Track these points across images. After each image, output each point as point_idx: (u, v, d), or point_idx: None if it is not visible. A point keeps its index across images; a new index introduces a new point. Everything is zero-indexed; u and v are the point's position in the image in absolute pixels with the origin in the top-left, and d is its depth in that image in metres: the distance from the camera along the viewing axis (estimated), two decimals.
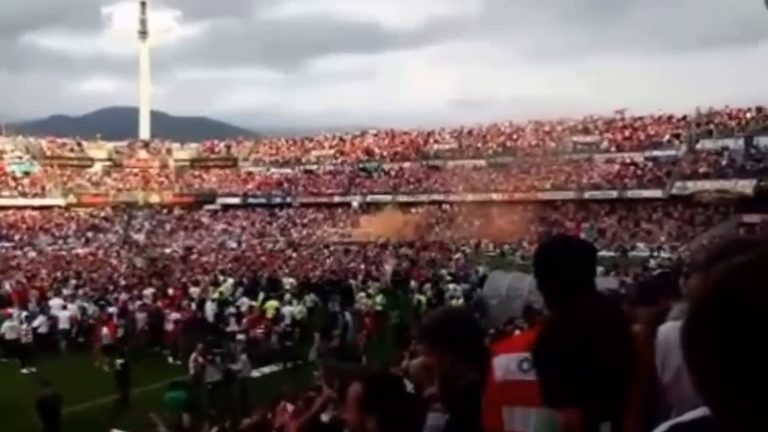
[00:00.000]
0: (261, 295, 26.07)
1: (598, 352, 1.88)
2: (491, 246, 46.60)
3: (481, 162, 63.22)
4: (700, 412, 0.88)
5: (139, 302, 24.47)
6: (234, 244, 55.61)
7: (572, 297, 2.19)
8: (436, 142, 68.78)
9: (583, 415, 1.94)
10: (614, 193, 53.86)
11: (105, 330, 20.53)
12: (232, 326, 21.78)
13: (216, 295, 25.92)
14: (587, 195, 54.84)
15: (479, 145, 65.83)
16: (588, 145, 60.10)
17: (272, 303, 24.47)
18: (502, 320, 18.05)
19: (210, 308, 23.85)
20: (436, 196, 60.42)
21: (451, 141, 68.03)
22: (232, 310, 23.66)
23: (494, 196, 56.00)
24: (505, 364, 2.31)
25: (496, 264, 35.33)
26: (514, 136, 65.15)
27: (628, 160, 57.23)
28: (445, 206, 59.35)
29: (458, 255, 41.56)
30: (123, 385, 16.24)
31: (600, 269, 20.71)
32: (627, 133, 60.06)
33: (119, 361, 16.89)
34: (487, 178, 59.93)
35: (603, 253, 38.93)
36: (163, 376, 17.23)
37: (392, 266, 35.61)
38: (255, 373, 18.18)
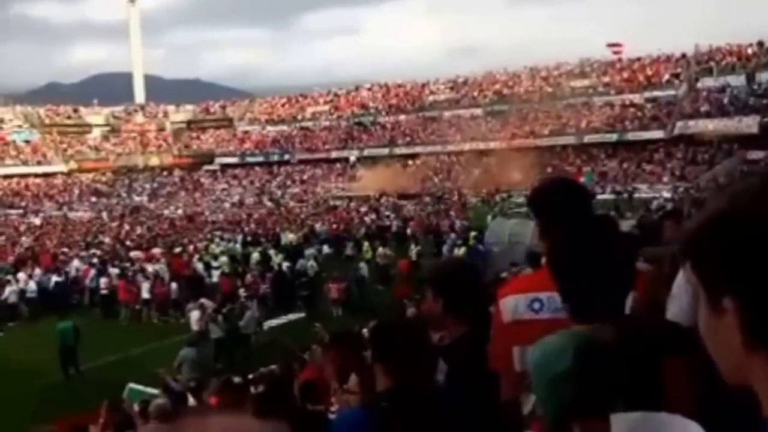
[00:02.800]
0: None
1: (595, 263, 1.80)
2: (491, 194, 46.59)
3: (478, 111, 62.64)
4: None
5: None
6: (230, 203, 55.67)
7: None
8: (431, 93, 68.09)
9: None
10: (614, 136, 53.42)
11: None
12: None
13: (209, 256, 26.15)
14: (587, 139, 54.40)
15: (475, 94, 65.20)
16: (586, 89, 59.39)
17: (255, 255, 25.20)
18: (505, 266, 18.03)
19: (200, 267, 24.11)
20: (433, 148, 60.00)
21: (447, 91, 67.36)
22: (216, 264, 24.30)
23: (492, 145, 55.56)
24: (514, 304, 2.32)
25: (497, 211, 35.35)
26: (510, 83, 64.45)
27: (627, 102, 56.62)
28: (443, 157, 59.04)
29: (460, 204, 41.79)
30: None
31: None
32: (625, 74, 59.32)
33: None
34: (485, 126, 59.49)
35: (605, 196, 38.96)
36: (167, 334, 17.49)
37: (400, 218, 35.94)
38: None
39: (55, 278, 23.34)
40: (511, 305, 2.32)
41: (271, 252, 26.66)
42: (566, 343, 1.67)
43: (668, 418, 1.51)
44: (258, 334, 17.44)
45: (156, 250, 28.29)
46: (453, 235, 27.30)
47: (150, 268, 23.88)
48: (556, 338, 1.71)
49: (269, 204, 52.19)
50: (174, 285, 21.23)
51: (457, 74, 70.16)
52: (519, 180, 45.95)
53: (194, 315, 16.82)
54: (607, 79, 59.74)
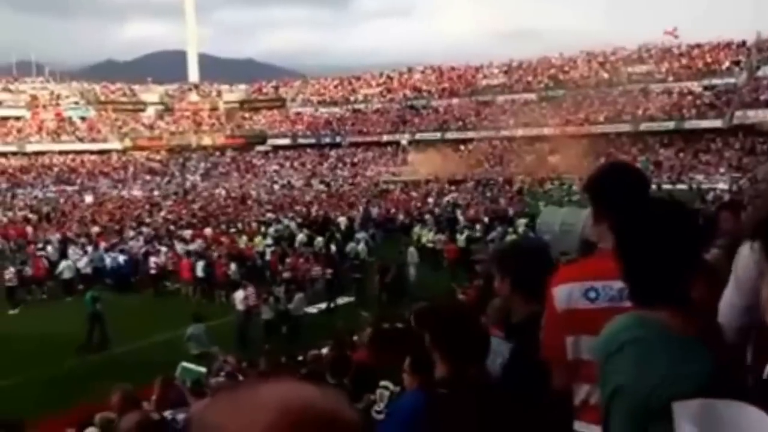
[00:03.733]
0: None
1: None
2: (543, 181, 46.08)
3: (532, 96, 61.90)
4: None
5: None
6: (281, 185, 56.10)
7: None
8: (484, 77, 67.40)
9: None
10: (671, 124, 52.21)
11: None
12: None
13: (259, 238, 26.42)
14: (643, 127, 53.27)
15: (529, 78, 64.36)
16: (643, 75, 58.13)
17: (301, 237, 25.59)
18: (555, 255, 17.87)
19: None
20: (486, 133, 59.46)
21: (501, 75, 66.62)
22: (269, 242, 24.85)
23: (546, 131, 54.87)
24: (568, 293, 2.28)
25: (550, 199, 34.94)
26: (566, 68, 63.43)
27: (685, 90, 55.26)
28: (496, 142, 58.45)
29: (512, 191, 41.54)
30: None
31: None
32: (684, 61, 57.89)
33: None
34: (539, 112, 58.67)
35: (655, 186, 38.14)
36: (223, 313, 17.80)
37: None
38: (312, 310, 18.73)
39: (122, 257, 23.84)
40: (564, 294, 2.29)
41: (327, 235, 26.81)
42: (629, 322, 1.69)
43: (732, 406, 1.49)
44: (330, 311, 17.92)
45: (207, 230, 28.64)
46: (508, 221, 27.12)
47: (179, 247, 24.41)
48: (621, 317, 1.72)
49: (321, 186, 52.43)
50: (233, 265, 21.47)
51: (511, 58, 69.35)
52: (572, 167, 45.27)
53: (238, 295, 17.07)
54: (665, 65, 58.35)
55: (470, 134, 60.39)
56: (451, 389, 2.39)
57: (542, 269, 2.67)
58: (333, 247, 23.59)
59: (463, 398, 2.35)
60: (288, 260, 21.82)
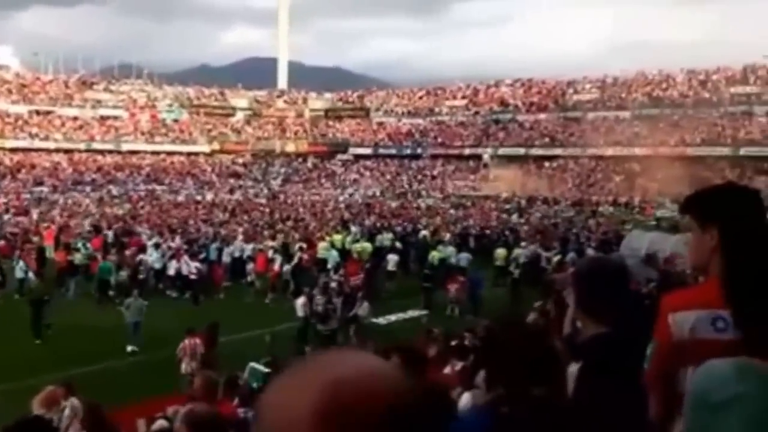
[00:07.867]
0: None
1: None
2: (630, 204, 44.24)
3: (625, 114, 59.57)
4: None
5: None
6: (360, 194, 55.73)
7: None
8: (575, 92, 65.43)
9: None
10: None
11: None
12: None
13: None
14: (743, 151, 50.40)
15: (623, 95, 61.98)
16: (747, 97, 55.01)
17: (365, 245, 25.53)
18: (640, 282, 16.79)
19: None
20: (573, 150, 57.53)
21: (593, 91, 64.48)
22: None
23: (638, 151, 52.63)
24: (692, 321, 2.08)
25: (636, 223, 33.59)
26: (664, 86, 60.85)
27: None
28: (583, 161, 56.47)
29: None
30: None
31: None
32: None
33: None
34: (631, 131, 56.38)
35: None
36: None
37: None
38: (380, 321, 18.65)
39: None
40: (687, 322, 2.08)
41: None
42: (733, 370, 1.47)
43: None
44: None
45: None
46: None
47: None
48: (724, 364, 1.50)
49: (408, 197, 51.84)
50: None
51: (605, 73, 67.00)
52: (663, 191, 43.29)
53: (299, 301, 16.95)
54: None
55: (557, 151, 58.68)
56: (511, 408, 2.22)
57: (614, 290, 2.57)
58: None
59: (521, 418, 2.18)
60: (340, 271, 21.51)
